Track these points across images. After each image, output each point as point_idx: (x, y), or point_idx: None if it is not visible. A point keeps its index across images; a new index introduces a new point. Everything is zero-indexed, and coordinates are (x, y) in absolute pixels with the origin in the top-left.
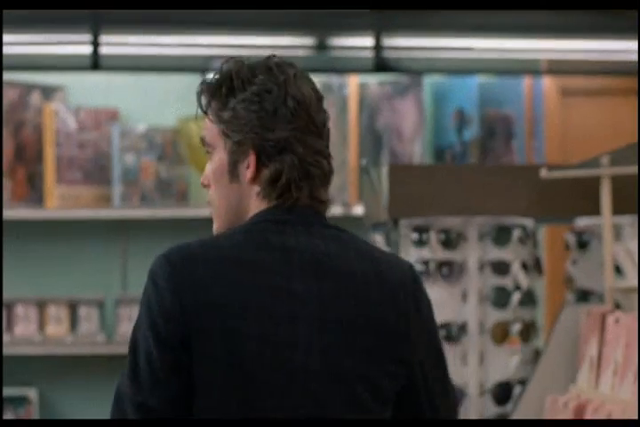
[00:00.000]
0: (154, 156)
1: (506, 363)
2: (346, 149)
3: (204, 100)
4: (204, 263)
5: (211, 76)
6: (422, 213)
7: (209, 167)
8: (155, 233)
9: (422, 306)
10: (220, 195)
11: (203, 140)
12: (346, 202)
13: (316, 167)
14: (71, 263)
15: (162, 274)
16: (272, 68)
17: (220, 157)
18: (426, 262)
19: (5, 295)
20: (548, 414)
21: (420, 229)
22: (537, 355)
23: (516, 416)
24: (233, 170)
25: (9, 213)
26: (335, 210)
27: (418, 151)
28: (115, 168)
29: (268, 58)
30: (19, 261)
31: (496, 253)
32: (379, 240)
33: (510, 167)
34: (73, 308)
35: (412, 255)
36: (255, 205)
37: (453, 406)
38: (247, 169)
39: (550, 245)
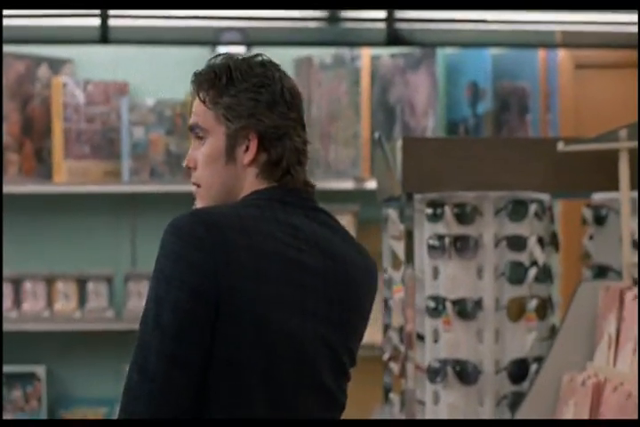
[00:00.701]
0: (163, 129)
1: (522, 340)
2: (358, 122)
3: (200, 89)
4: (229, 229)
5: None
6: (437, 187)
7: (198, 150)
8: (164, 208)
9: (372, 302)
10: (213, 176)
11: (193, 126)
12: (358, 176)
13: (304, 155)
14: (80, 239)
15: (191, 231)
16: (265, 64)
17: (215, 141)
18: (440, 238)
19: (13, 271)
20: (565, 393)
21: (435, 204)
22: (553, 332)
23: (532, 395)
24: (230, 153)
25: (16, 188)
26: (347, 184)
27: (431, 125)
28: (123, 142)
29: (257, 55)
30: (27, 237)
31: (512, 229)
32: (392, 215)
33: (526, 140)
34: (82, 284)
35: (426, 230)
36: (250, 185)
37: None
38: (245, 152)
39: (567, 220)
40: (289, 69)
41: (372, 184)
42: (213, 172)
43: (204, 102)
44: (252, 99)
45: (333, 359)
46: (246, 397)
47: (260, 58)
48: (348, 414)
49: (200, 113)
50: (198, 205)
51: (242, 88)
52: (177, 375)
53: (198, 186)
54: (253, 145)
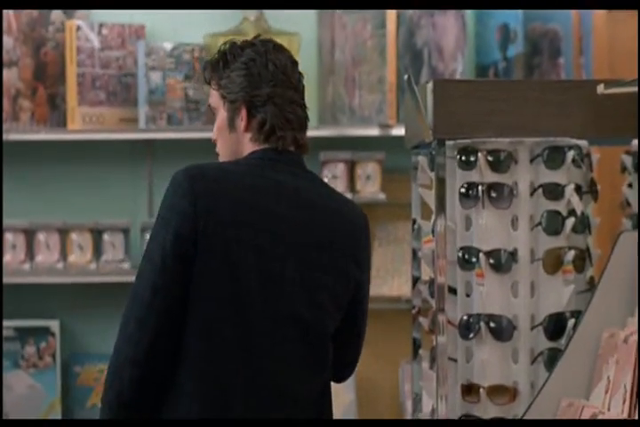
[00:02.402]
0: (181, 74)
1: (559, 294)
2: (383, 66)
3: (207, 75)
4: (214, 181)
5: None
6: (469, 133)
7: (215, 125)
8: (182, 156)
9: (368, 252)
10: (223, 144)
11: (208, 106)
12: (384, 123)
13: (292, 114)
14: (94, 188)
15: (181, 183)
16: (256, 43)
17: (221, 115)
18: (473, 186)
19: (26, 222)
20: (605, 350)
21: (467, 151)
22: (591, 285)
23: (569, 351)
24: (231, 123)
25: (29, 136)
26: (372, 131)
27: (459, 69)
28: (140, 88)
29: (255, 37)
30: (39, 187)
31: (548, 176)
32: (422, 163)
33: (564, 83)
34: (97, 234)
35: (458, 179)
36: (248, 148)
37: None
38: (241, 121)
39: (605, 167)
40: (311, 12)
41: (398, 131)
42: (223, 141)
43: (210, 85)
44: (240, 75)
45: (307, 294)
46: (219, 325)
47: (254, 39)
48: (375, 371)
49: (211, 94)
50: None
51: (233, 68)
52: (158, 301)
53: (218, 154)
54: (243, 114)
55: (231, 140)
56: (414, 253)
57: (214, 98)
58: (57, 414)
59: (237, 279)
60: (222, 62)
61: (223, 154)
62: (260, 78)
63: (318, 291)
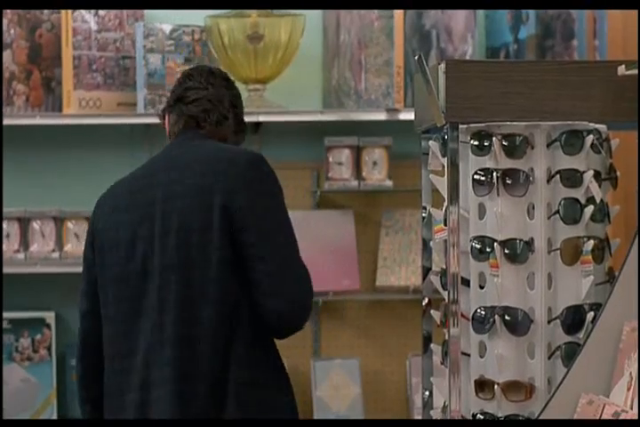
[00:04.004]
0: (181, 57)
1: (577, 285)
2: (391, 49)
3: None
4: (109, 192)
5: None
6: (484, 116)
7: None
8: None
9: (253, 185)
10: None
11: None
12: (391, 107)
13: (198, 110)
14: (91, 175)
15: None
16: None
17: None
18: (487, 172)
19: (20, 210)
20: (627, 344)
21: (481, 135)
22: (611, 276)
23: (589, 346)
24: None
25: (23, 121)
26: (379, 116)
27: (469, 51)
28: (138, 71)
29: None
30: (34, 173)
31: (566, 162)
32: (433, 148)
33: (583, 64)
34: None
35: (471, 165)
36: None
37: (281, 287)
38: None
39: (624, 152)
40: None
41: (406, 115)
42: None
43: None
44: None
45: (181, 250)
46: (105, 294)
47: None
48: (381, 363)
49: None
50: None
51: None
52: (81, 297)
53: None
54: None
55: None
56: (425, 242)
57: None
58: (52, 410)
59: (111, 255)
60: None
61: None
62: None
63: (199, 248)
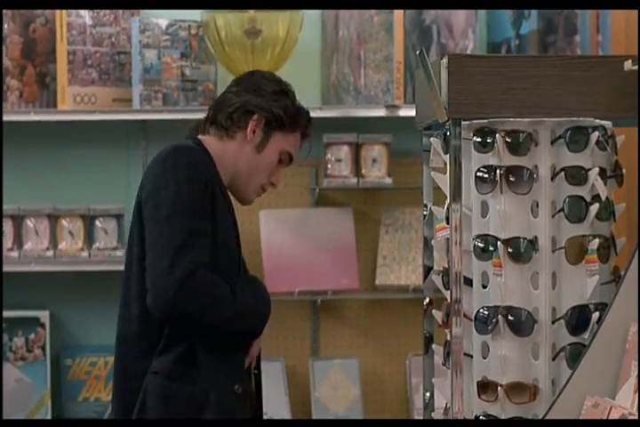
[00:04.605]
0: (177, 52)
1: (582, 285)
2: (390, 44)
3: None
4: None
5: None
6: (487, 112)
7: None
8: (178, 137)
9: (156, 175)
10: None
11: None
12: (390, 104)
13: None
14: (86, 172)
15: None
16: None
17: None
18: (490, 170)
19: (14, 207)
20: (632, 345)
21: (484, 132)
22: (616, 276)
23: (594, 347)
24: None
25: (17, 117)
26: (378, 112)
27: (470, 46)
28: (134, 67)
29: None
30: (28, 170)
31: (571, 159)
32: (435, 145)
33: (589, 59)
34: (89, 221)
35: (474, 162)
36: None
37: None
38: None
39: (629, 149)
40: None
41: (406, 111)
42: None
43: None
44: None
45: (126, 248)
46: None
47: None
48: (381, 363)
49: None
50: None
51: None
52: None
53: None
54: None
55: None
56: (426, 241)
57: None
58: (47, 411)
59: None
60: None
61: None
62: None
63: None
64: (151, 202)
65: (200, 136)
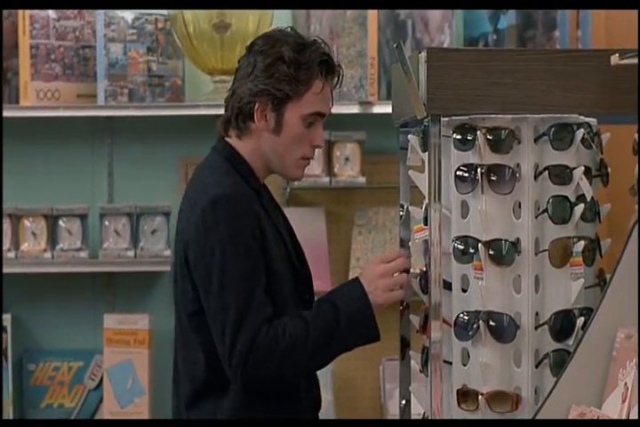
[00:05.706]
0: (143, 47)
1: (566, 289)
2: (363, 39)
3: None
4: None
5: None
6: (467, 108)
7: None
8: (144, 134)
9: (198, 235)
10: None
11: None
12: (364, 100)
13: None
14: (49, 170)
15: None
16: None
17: None
18: (471, 168)
19: None
20: (621, 352)
21: (465, 129)
22: (601, 279)
23: (579, 354)
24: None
25: None
26: (351, 109)
27: (447, 41)
28: (99, 61)
29: None
30: None
31: (555, 158)
32: (412, 143)
33: (574, 53)
34: (52, 221)
35: (453, 160)
36: None
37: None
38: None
39: (615, 148)
40: None
41: (380, 108)
42: None
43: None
44: None
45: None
46: None
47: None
48: (353, 369)
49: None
50: None
51: None
52: None
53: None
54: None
55: None
56: (402, 242)
57: None
58: (9, 417)
59: None
60: None
61: None
62: None
63: (176, 275)
64: (201, 270)
65: (227, 138)
